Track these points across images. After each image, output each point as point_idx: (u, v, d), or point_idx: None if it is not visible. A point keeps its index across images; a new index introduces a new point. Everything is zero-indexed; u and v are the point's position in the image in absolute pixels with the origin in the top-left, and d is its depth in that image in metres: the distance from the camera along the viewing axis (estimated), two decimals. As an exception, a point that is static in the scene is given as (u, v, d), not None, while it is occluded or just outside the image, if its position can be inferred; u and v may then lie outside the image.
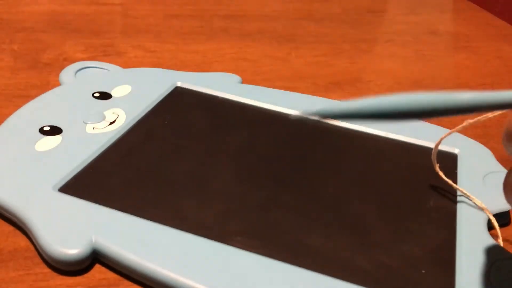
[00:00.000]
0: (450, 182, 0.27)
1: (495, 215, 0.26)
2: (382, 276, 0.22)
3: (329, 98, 0.35)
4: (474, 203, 0.26)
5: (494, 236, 0.25)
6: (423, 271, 0.23)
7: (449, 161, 0.29)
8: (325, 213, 0.25)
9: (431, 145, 0.30)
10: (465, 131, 0.32)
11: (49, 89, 0.33)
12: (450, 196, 0.27)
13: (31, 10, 0.46)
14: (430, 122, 0.33)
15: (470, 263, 0.23)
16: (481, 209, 0.26)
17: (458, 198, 0.27)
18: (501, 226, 0.26)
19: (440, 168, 0.28)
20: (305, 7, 0.54)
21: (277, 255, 0.23)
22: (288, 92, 0.35)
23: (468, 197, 0.26)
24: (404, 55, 0.45)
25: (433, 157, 0.27)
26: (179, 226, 0.24)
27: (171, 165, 0.28)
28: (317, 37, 0.47)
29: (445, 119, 0.36)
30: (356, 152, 0.30)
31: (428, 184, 0.28)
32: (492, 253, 0.23)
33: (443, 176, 0.27)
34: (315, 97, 0.35)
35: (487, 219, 0.25)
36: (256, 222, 0.25)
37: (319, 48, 0.44)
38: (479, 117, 0.24)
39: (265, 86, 0.36)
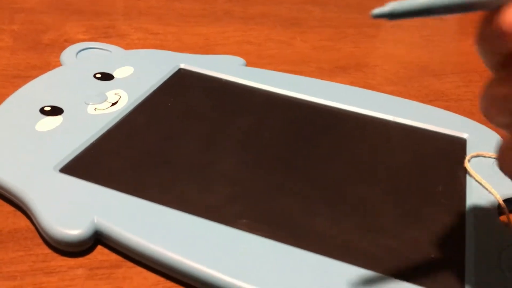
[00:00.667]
0: (481, 179, 0.26)
1: (505, 200, 0.25)
2: (391, 260, 0.22)
3: (335, 82, 0.35)
4: (484, 188, 0.25)
5: (504, 222, 0.24)
6: (432, 256, 0.22)
7: (458, 146, 0.29)
8: (332, 197, 0.25)
9: (439, 129, 0.30)
10: (473, 116, 0.32)
11: (50, 69, 0.33)
12: (459, 181, 0.26)
13: (31, -9, 0.46)
14: (438, 107, 0.32)
15: (479, 248, 0.22)
16: (491, 194, 0.25)
17: (468, 183, 0.26)
18: (511, 211, 0.25)
19: (449, 153, 0.27)
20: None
21: (282, 238, 0.22)
22: (293, 75, 0.35)
23: (478, 182, 0.26)
24: (410, 40, 0.44)
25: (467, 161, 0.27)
26: (182, 208, 0.23)
27: (175, 147, 0.27)
28: (321, 21, 0.46)
29: (455, 104, 0.35)
30: (364, 136, 0.30)
31: (437, 169, 0.27)
32: (502, 238, 0.23)
33: (472, 174, 0.26)
34: (321, 80, 0.34)
35: (497, 204, 0.25)
36: (261, 205, 0.24)
37: (324, 33, 0.44)
38: None
39: (269, 69, 0.35)
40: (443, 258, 0.22)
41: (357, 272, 0.21)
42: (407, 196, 0.25)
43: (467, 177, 0.26)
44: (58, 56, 0.35)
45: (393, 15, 0.16)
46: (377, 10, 0.16)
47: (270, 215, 0.24)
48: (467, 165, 0.27)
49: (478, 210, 0.24)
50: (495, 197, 0.25)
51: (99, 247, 0.22)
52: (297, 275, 0.21)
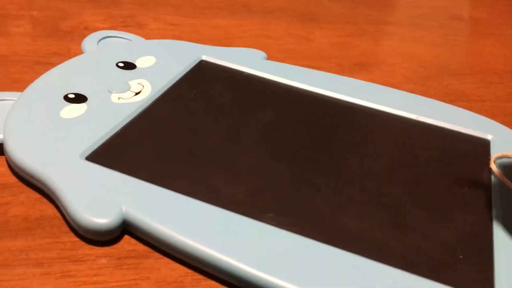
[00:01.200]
0: (507, 180, 0.26)
1: (531, 202, 0.25)
2: (418, 259, 0.22)
3: (357, 79, 0.34)
4: (510, 188, 0.25)
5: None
6: (461, 256, 0.22)
7: (482, 147, 0.29)
8: (358, 193, 0.25)
9: (463, 130, 0.30)
10: (495, 118, 0.32)
11: (70, 57, 0.33)
12: (484, 182, 0.26)
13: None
14: (461, 107, 0.32)
15: (509, 249, 0.22)
16: (517, 195, 0.25)
17: (493, 184, 0.26)
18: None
19: (473, 153, 0.27)
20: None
21: (309, 233, 0.22)
22: (315, 70, 0.34)
23: (504, 183, 0.26)
24: (429, 39, 0.44)
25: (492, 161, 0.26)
26: (210, 201, 0.23)
27: (199, 138, 0.27)
28: (340, 17, 0.46)
29: (476, 104, 0.35)
30: (387, 134, 0.29)
31: (461, 169, 0.27)
32: (529, 240, 0.23)
33: (498, 175, 0.26)
34: (343, 77, 0.34)
35: (523, 206, 0.25)
36: (287, 199, 0.24)
37: (342, 29, 0.43)
38: None
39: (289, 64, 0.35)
40: (471, 259, 0.22)
41: (384, 270, 0.21)
42: (432, 195, 0.25)
43: (492, 178, 0.26)
44: (78, 43, 0.35)
45: None
46: None
47: (296, 210, 0.23)
48: (493, 165, 0.26)
49: (505, 211, 0.24)
50: (521, 199, 0.25)
51: (126, 237, 0.22)
52: (324, 270, 0.21)
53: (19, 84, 0.31)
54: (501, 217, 0.24)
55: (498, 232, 0.23)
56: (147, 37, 0.37)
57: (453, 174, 0.27)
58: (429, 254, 0.22)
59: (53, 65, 0.31)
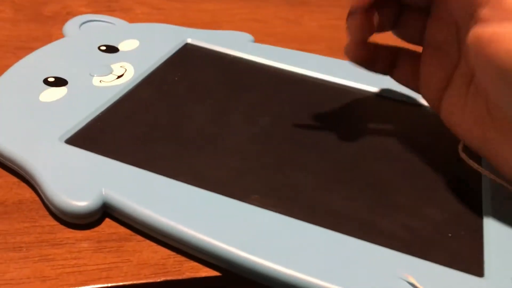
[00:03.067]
0: (478, 166, 0.25)
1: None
2: (406, 238, 0.21)
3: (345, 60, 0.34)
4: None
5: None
6: (450, 235, 0.22)
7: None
8: (344, 173, 0.24)
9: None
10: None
11: (52, 41, 0.32)
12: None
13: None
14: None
15: (498, 227, 0.22)
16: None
17: (483, 164, 0.25)
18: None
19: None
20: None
21: (295, 214, 0.21)
22: (302, 52, 0.34)
23: (477, 169, 0.25)
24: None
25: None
26: (192, 182, 0.22)
27: (182, 121, 0.26)
28: (329, 0, 0.45)
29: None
30: (376, 115, 0.29)
31: (452, 149, 0.26)
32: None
33: (468, 161, 0.25)
34: (331, 58, 0.33)
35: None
36: (272, 180, 0.23)
37: (332, 12, 0.43)
38: None
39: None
40: (461, 237, 0.21)
41: (372, 249, 0.20)
42: (421, 174, 0.25)
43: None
44: (61, 28, 0.34)
45: None
46: None
47: (282, 190, 0.23)
48: (461, 153, 0.25)
49: (495, 191, 0.24)
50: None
51: (107, 220, 0.22)
52: (311, 251, 0.20)
53: (0, 69, 0.30)
54: (490, 196, 0.23)
55: (488, 211, 0.23)
56: (132, 21, 0.36)
57: (443, 153, 0.26)
58: (417, 232, 0.22)
59: (35, 49, 0.31)
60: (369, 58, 0.26)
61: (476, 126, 0.22)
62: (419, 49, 0.26)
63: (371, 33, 0.25)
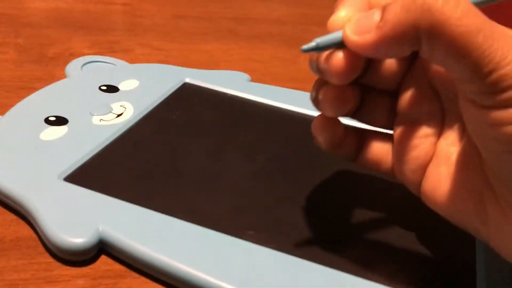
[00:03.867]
0: None
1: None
2: (402, 275, 0.21)
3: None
4: None
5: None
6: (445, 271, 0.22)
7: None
8: (338, 211, 0.25)
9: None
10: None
11: (55, 82, 0.33)
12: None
13: (37, 6, 0.46)
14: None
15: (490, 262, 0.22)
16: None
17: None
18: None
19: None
20: (312, 13, 0.54)
21: (290, 250, 0.22)
22: (298, 91, 0.35)
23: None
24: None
25: None
26: (188, 218, 0.23)
27: (180, 159, 0.27)
28: (325, 41, 0.46)
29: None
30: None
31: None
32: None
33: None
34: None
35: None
36: (267, 216, 0.24)
37: (328, 52, 0.44)
38: None
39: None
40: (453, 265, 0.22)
41: (370, 287, 0.20)
42: (412, 215, 0.25)
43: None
44: (63, 69, 0.35)
45: (319, 48, 0.20)
46: (305, 46, 0.20)
47: (277, 227, 0.23)
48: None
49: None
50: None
51: (103, 256, 0.22)
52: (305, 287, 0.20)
53: (2, 108, 0.31)
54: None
55: (480, 246, 0.23)
56: (133, 62, 0.37)
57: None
58: (413, 272, 0.22)
59: (37, 90, 0.31)
60: (338, 138, 0.22)
61: (471, 203, 0.19)
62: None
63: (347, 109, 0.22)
